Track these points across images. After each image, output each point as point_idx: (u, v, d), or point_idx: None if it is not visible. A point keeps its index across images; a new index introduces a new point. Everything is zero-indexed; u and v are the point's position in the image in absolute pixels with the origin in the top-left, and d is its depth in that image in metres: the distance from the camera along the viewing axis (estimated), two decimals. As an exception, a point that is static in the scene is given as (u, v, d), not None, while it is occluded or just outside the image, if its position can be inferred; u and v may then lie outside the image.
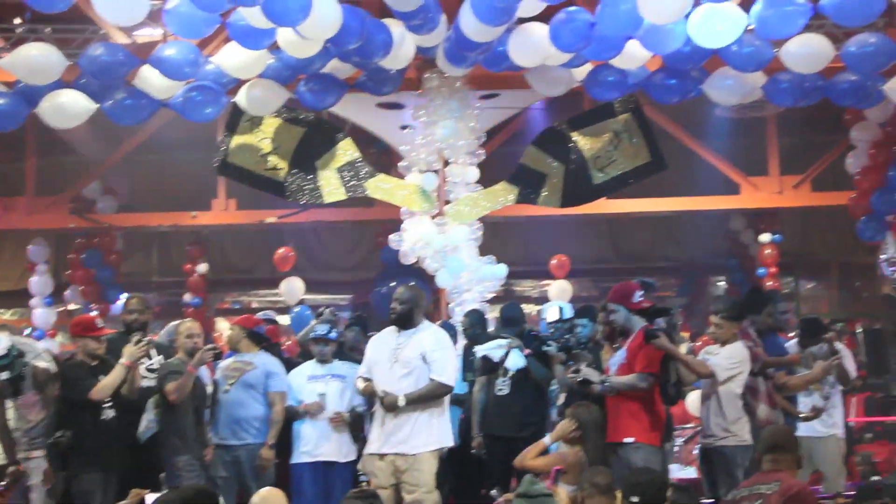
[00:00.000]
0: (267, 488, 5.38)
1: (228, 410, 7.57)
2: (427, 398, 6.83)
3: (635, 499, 4.87)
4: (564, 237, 14.36)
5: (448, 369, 6.95)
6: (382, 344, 6.99)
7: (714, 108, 11.54)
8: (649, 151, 9.82)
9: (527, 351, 7.68)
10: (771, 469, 4.97)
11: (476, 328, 8.45)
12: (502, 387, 7.77)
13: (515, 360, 7.74)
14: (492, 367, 7.81)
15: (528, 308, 15.57)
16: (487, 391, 7.87)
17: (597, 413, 6.44)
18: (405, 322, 6.92)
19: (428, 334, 6.97)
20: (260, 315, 9.16)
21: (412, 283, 7.35)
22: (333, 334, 7.94)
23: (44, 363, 7.43)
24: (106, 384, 7.07)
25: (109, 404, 7.18)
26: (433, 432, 6.86)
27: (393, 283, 12.65)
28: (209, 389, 7.62)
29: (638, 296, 6.89)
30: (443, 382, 6.87)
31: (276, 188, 9.87)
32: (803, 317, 9.47)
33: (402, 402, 6.71)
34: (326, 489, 7.61)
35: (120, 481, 6.95)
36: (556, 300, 12.03)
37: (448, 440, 6.98)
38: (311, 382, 7.76)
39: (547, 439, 6.60)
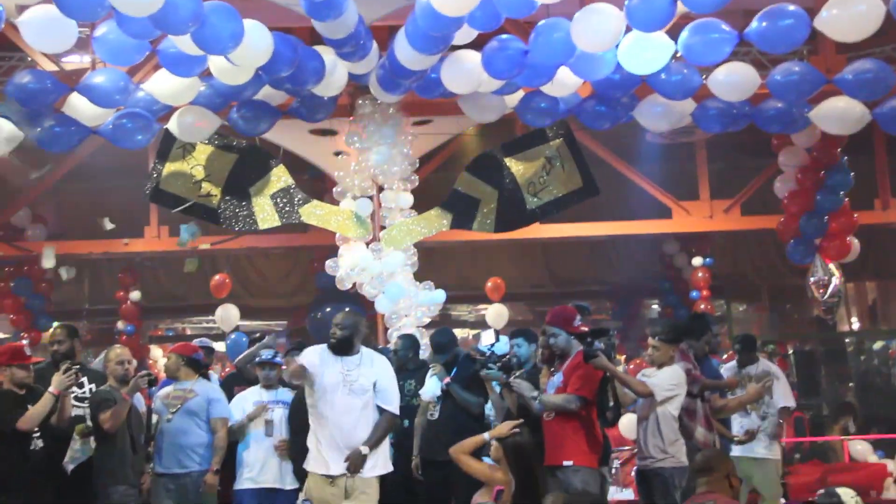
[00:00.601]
0: None
1: (172, 439, 7.55)
2: (385, 435, 6.86)
3: None
4: (499, 262, 14.46)
5: (396, 399, 6.96)
6: (329, 368, 6.91)
7: (645, 133, 11.71)
8: (581, 177, 9.90)
9: (446, 380, 7.73)
10: (705, 491, 5.12)
11: (408, 352, 8.45)
12: (433, 411, 7.79)
13: (431, 388, 7.78)
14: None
15: (464, 332, 15.65)
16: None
17: (523, 436, 6.38)
18: (346, 348, 6.89)
19: (378, 363, 6.96)
20: (196, 342, 9.09)
21: (351, 309, 7.33)
22: (279, 359, 7.95)
23: None
24: (33, 414, 6.93)
25: (38, 434, 7.05)
26: (380, 457, 6.86)
27: (329, 309, 12.68)
28: (144, 417, 7.55)
29: (577, 320, 6.95)
30: (395, 413, 6.90)
31: (210, 215, 9.79)
32: (739, 334, 9.60)
33: (366, 451, 6.71)
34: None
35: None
36: (492, 324, 12.10)
37: (389, 466, 6.99)
38: (256, 408, 7.77)
39: (486, 434, 6.52)
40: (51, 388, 6.98)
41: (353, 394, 6.78)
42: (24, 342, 10.87)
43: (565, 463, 6.63)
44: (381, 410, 6.87)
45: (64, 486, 7.18)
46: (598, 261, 15.64)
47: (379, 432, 6.81)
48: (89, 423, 7.29)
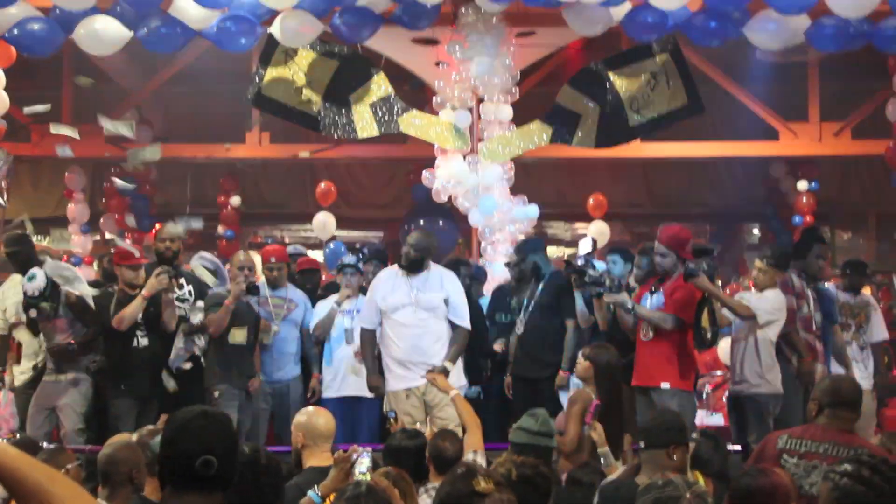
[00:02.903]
0: (312, 407, 5.47)
1: (277, 346, 7.83)
2: (461, 349, 6.94)
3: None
4: (598, 180, 14.25)
5: (466, 314, 7.03)
6: (396, 289, 7.01)
7: (755, 51, 11.33)
8: (686, 94, 9.68)
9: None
10: (828, 425, 4.44)
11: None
12: (519, 327, 7.77)
13: None
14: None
15: (560, 251, 15.56)
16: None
17: (613, 355, 6.34)
18: (416, 268, 6.97)
19: (447, 279, 7.03)
20: (290, 249, 9.27)
21: (424, 230, 7.39)
22: (360, 266, 8.05)
23: (82, 289, 7.53)
24: (126, 314, 7.19)
25: (144, 332, 7.30)
26: (459, 371, 6.96)
27: (423, 222, 12.74)
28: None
29: (690, 245, 6.88)
30: (467, 328, 6.96)
31: (310, 122, 9.85)
32: (848, 259, 9.28)
33: (449, 366, 6.78)
34: (353, 424, 7.72)
35: (160, 409, 7.08)
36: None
37: (462, 380, 7.09)
38: (337, 317, 7.88)
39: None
40: (143, 291, 7.20)
41: (423, 311, 6.89)
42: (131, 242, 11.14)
43: (663, 385, 6.61)
44: (453, 326, 6.94)
45: (179, 383, 7.47)
46: (699, 182, 15.32)
47: (455, 347, 6.90)
48: (193, 321, 7.50)
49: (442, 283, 7.02)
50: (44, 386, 7.37)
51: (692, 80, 9.76)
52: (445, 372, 6.68)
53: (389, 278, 7.13)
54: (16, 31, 8.66)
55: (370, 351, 7.18)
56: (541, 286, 7.70)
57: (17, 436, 6.36)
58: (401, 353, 6.93)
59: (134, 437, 5.18)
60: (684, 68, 9.68)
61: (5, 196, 10.45)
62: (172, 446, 2.79)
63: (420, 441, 5.12)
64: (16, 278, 7.67)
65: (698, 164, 14.48)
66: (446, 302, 6.95)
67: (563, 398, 7.18)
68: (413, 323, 6.93)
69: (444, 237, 12.34)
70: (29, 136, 12.69)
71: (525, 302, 7.76)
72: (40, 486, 1.96)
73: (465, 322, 6.99)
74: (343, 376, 7.82)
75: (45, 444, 5.97)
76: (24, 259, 7.48)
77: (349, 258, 8.18)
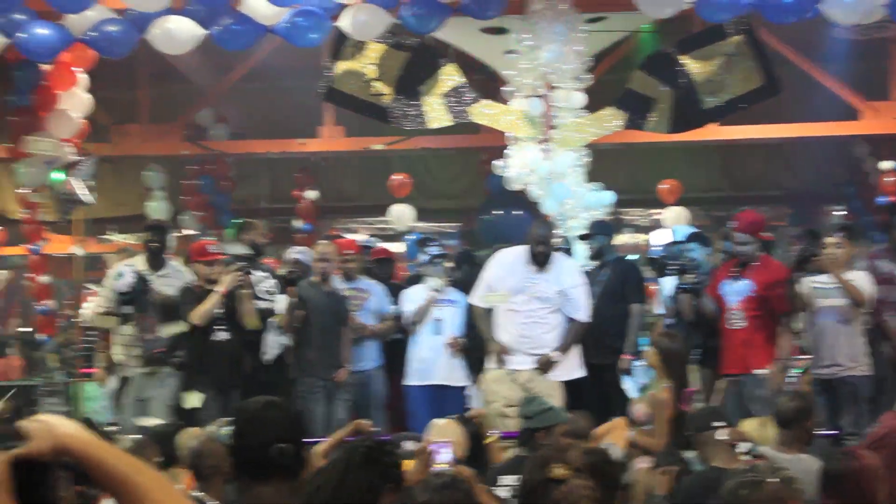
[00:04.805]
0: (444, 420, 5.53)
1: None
2: (573, 343, 6.91)
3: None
4: (673, 165, 14.06)
5: (584, 307, 6.98)
6: (514, 273, 7.00)
7: (832, 29, 11.06)
8: (762, 75, 9.49)
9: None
10: None
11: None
12: None
13: None
14: None
15: (637, 237, 15.41)
16: None
17: (678, 341, 6.29)
18: (545, 261, 6.96)
19: (567, 271, 6.99)
20: (363, 241, 9.37)
21: (544, 221, 7.37)
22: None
23: (171, 288, 7.72)
24: (202, 310, 7.33)
25: (223, 327, 7.42)
26: (568, 363, 6.95)
27: (498, 212, 12.70)
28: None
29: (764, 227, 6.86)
30: (584, 321, 6.92)
31: (381, 114, 9.88)
32: None
33: (556, 357, 6.77)
34: (439, 413, 7.77)
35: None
36: (671, 227, 11.83)
37: (576, 372, 7.04)
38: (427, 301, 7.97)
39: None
40: (218, 288, 7.33)
41: (536, 301, 6.85)
42: (210, 239, 11.35)
43: (756, 372, 6.55)
44: (570, 318, 6.91)
45: (261, 377, 7.59)
46: (777, 164, 15.04)
47: (568, 338, 6.87)
48: (286, 314, 7.63)
49: (561, 275, 6.99)
50: (136, 378, 7.57)
51: (769, 60, 9.56)
52: (550, 363, 6.67)
53: (510, 261, 7.13)
54: (93, 34, 8.85)
55: (486, 322, 7.17)
56: (606, 272, 7.65)
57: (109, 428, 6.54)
58: (508, 338, 6.94)
59: (208, 429, 5.27)
60: (760, 49, 9.49)
61: (91, 194, 10.71)
62: (243, 437, 2.81)
63: None
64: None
65: (775, 145, 14.20)
66: (563, 294, 6.91)
67: (627, 383, 7.16)
68: (525, 311, 6.91)
69: (518, 226, 12.31)
70: (110, 136, 12.98)
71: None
72: (126, 477, 1.98)
73: (581, 315, 6.95)
74: (430, 364, 7.86)
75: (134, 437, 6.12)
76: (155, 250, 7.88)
77: (435, 248, 8.23)
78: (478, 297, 7.23)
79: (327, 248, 7.98)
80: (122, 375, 7.78)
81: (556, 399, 6.66)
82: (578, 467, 2.99)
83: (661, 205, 13.29)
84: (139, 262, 8.00)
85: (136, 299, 7.46)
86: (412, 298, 8.05)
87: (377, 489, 3.23)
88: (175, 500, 2.03)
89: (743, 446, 4.98)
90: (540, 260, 6.96)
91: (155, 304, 7.51)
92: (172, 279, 7.81)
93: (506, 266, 7.09)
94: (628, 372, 7.41)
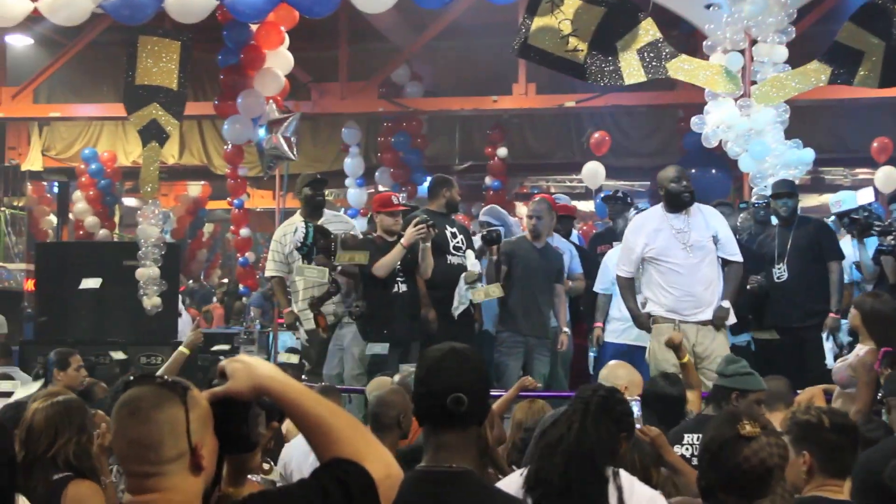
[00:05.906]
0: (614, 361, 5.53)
1: None
2: (736, 285, 6.77)
3: None
4: (880, 122, 13.39)
5: (737, 248, 6.83)
6: (660, 232, 6.84)
7: None
8: None
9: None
10: None
11: None
12: (781, 272, 7.47)
13: None
14: None
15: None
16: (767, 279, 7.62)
17: (881, 301, 6.02)
18: (685, 206, 6.82)
19: (712, 216, 6.84)
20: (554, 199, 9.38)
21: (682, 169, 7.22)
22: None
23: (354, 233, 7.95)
24: (384, 262, 7.41)
25: (402, 279, 7.54)
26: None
27: (694, 171, 12.44)
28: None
29: None
30: (740, 261, 6.78)
31: (577, 70, 9.78)
32: None
33: (727, 304, 6.64)
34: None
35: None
36: (882, 189, 11.30)
37: (731, 318, 6.90)
38: None
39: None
40: (402, 241, 7.42)
41: (690, 249, 6.69)
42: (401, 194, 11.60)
43: None
44: (725, 262, 6.74)
45: (450, 329, 7.72)
46: None
47: (732, 283, 6.70)
48: (474, 271, 7.74)
49: (707, 220, 6.81)
50: (338, 329, 7.83)
51: None
52: (726, 312, 6.56)
53: (649, 221, 6.96)
54: (297, -7, 9.14)
55: (631, 296, 7.08)
56: (794, 231, 7.42)
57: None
58: (672, 301, 6.79)
59: (396, 378, 5.36)
60: None
61: (295, 150, 11.08)
62: (424, 385, 2.80)
63: (680, 388, 5.09)
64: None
65: None
66: (714, 240, 6.74)
67: (828, 345, 6.93)
68: (685, 266, 6.73)
69: (715, 184, 12.04)
70: (309, 94, 13.40)
71: (779, 249, 7.49)
72: (321, 419, 2.07)
73: (736, 256, 6.77)
74: (626, 325, 7.86)
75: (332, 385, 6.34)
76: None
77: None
78: (623, 268, 7.06)
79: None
80: (307, 328, 8.00)
81: (722, 348, 6.54)
82: (766, 425, 2.96)
83: (867, 164, 12.70)
84: (298, 218, 8.23)
85: (313, 251, 7.59)
86: (607, 263, 8.08)
87: (614, 436, 3.26)
88: (368, 442, 2.11)
89: None
90: (687, 200, 6.73)
91: (339, 243, 7.53)
92: (335, 225, 7.99)
93: (648, 226, 6.88)
94: (836, 331, 7.17)
